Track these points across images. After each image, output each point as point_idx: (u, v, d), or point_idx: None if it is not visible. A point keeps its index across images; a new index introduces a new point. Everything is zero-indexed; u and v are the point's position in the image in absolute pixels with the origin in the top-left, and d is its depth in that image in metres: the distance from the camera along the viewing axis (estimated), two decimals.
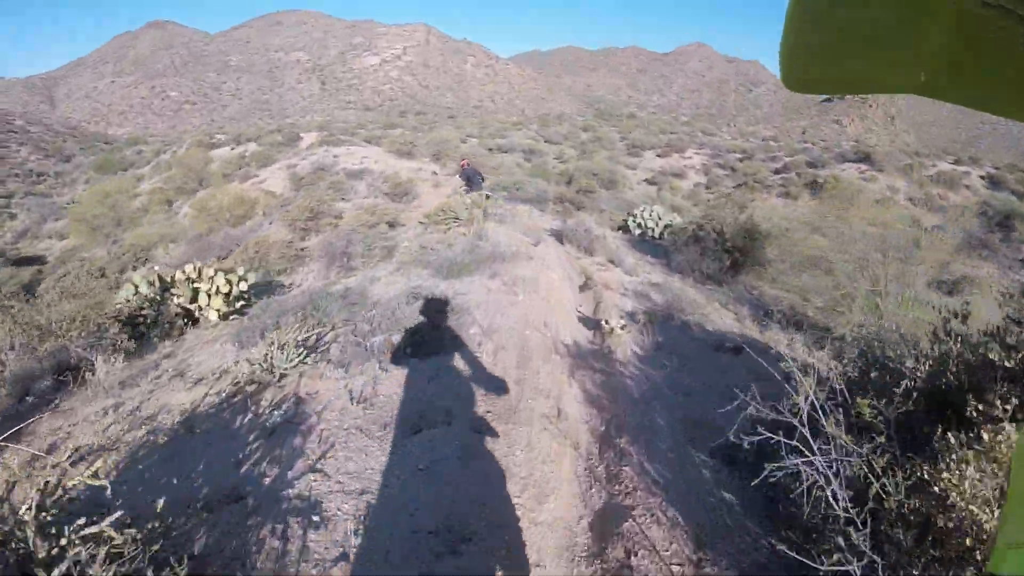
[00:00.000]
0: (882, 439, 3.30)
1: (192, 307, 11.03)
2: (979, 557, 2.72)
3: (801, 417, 3.45)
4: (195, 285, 11.01)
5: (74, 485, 3.19)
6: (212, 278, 11.11)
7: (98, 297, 12.84)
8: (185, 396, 6.40)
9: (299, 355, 6.64)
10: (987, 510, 2.70)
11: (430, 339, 6.79)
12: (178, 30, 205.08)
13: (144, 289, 11.07)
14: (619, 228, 19.41)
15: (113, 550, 2.84)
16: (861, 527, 2.94)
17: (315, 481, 4.39)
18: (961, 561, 2.80)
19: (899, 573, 2.90)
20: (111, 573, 2.74)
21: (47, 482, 3.01)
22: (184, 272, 11.45)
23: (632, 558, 3.81)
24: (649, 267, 12.34)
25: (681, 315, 8.87)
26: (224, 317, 10.67)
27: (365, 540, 3.77)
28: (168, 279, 11.50)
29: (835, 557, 2.88)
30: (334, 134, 52.39)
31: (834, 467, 3.32)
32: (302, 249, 15.85)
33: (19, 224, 48.82)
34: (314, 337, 7.60)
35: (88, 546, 2.76)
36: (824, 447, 3.41)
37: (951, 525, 2.84)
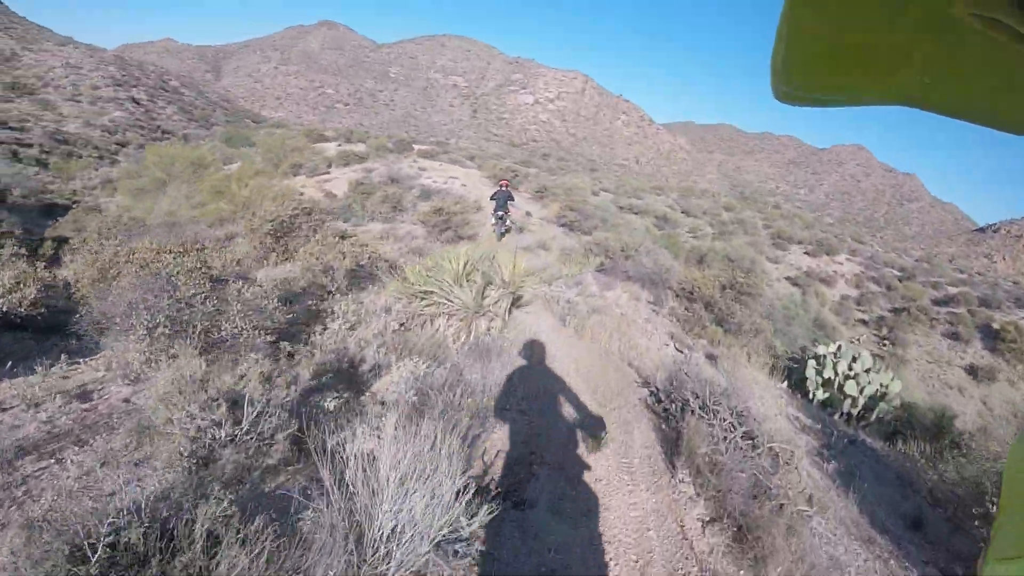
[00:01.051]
0: None
1: None
2: None
3: None
4: None
5: None
6: None
7: None
8: None
9: None
10: None
11: None
12: (348, 34, 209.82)
13: None
14: (784, 375, 10.41)
15: None
16: None
17: None
18: None
19: None
20: None
21: None
22: None
23: None
24: None
25: None
26: None
27: None
28: None
29: None
30: (445, 150, 46.28)
31: None
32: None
33: (115, 172, 45.07)
34: None
35: None
36: None
37: None
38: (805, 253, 41.49)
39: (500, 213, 17.21)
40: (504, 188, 17.47)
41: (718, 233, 43.65)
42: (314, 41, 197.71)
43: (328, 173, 31.34)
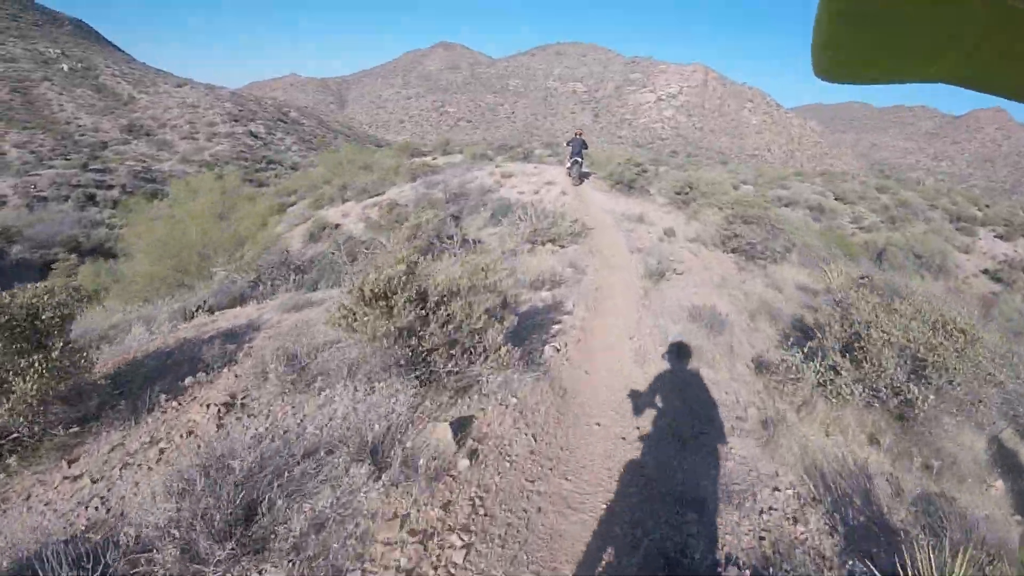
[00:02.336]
0: None
1: None
2: None
3: None
4: None
5: None
6: None
7: None
8: None
9: None
10: None
11: None
12: (465, 52, 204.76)
13: None
14: None
15: None
16: None
17: None
18: None
19: None
20: None
21: None
22: None
23: None
24: None
25: None
26: None
27: None
28: None
29: None
30: (555, 152, 36.78)
31: None
32: None
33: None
34: None
35: None
36: None
37: None
38: (996, 237, 30.99)
39: (576, 159, 18.69)
40: (578, 136, 19.00)
41: (887, 220, 34.55)
42: (432, 63, 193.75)
43: (381, 194, 22.06)
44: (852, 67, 0.53)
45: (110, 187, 44.84)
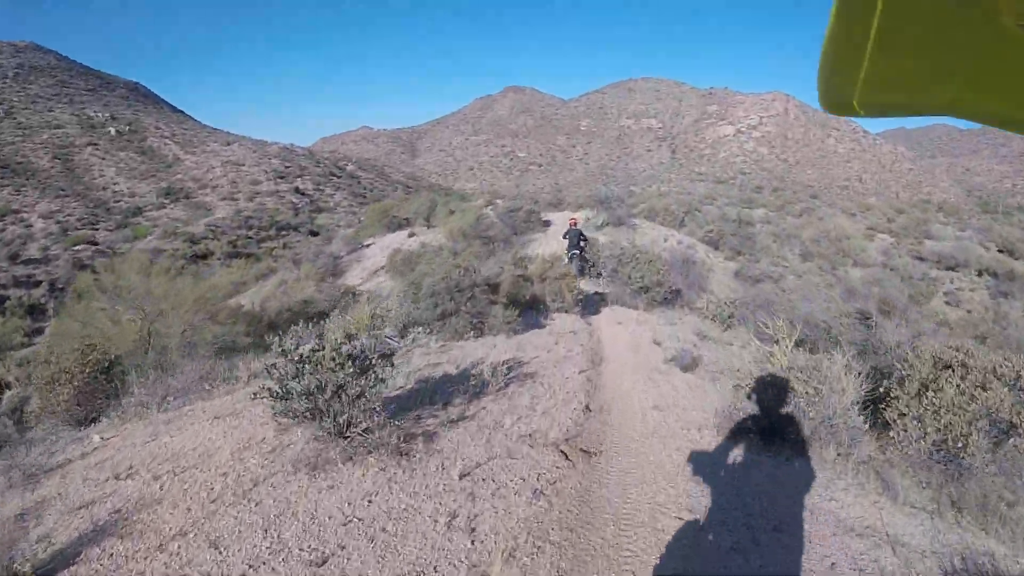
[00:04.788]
0: None
1: None
2: None
3: None
4: None
5: None
6: None
7: None
8: None
9: None
10: None
11: None
12: (535, 95, 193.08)
13: None
14: None
15: None
16: None
17: None
18: None
19: None
20: None
21: None
22: None
23: None
24: None
25: None
26: None
27: None
28: None
29: None
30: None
31: None
32: None
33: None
34: None
35: None
36: None
37: None
38: None
39: (574, 252, 16.61)
40: (573, 226, 17.08)
41: None
42: (502, 107, 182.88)
43: None
44: (858, 104, 0.50)
45: (37, 283, 32.45)
